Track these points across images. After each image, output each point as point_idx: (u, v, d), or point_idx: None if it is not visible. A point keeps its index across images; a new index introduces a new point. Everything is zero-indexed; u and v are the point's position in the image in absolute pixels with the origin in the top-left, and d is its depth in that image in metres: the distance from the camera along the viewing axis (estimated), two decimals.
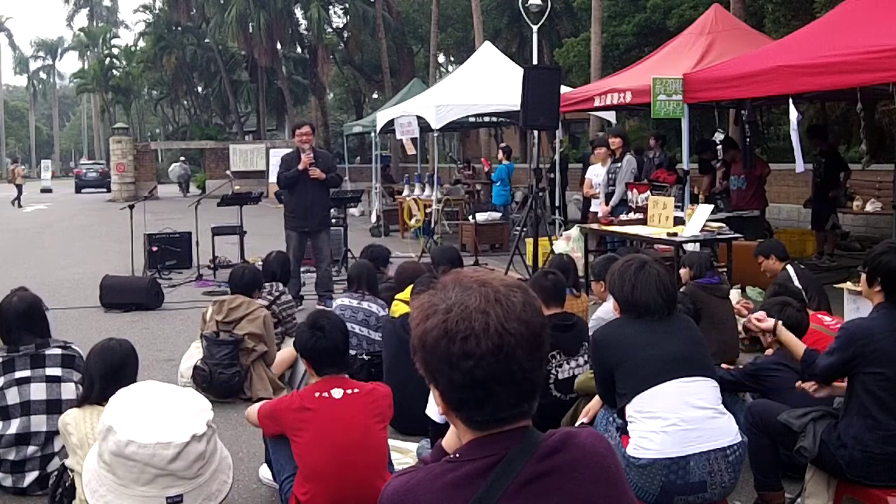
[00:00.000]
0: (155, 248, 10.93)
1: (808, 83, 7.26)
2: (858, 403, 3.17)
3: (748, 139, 9.40)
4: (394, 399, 3.54)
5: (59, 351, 4.11)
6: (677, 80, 8.42)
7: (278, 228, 9.27)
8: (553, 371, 4.23)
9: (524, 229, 9.89)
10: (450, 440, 1.58)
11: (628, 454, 3.17)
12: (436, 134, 16.72)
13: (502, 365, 1.38)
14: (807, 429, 3.31)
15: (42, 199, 32.87)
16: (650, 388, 3.21)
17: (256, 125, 43.72)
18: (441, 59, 37.28)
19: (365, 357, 5.40)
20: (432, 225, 13.58)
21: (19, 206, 28.10)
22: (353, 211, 17.97)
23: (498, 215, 13.71)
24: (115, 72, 49.54)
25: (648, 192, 8.58)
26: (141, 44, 47.59)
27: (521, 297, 1.44)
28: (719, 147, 9.63)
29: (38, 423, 3.97)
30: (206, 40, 41.18)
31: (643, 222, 8.29)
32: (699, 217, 7.48)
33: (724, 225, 7.88)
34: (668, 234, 7.48)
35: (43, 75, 76.33)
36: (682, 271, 5.96)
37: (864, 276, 3.35)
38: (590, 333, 4.13)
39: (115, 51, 51.59)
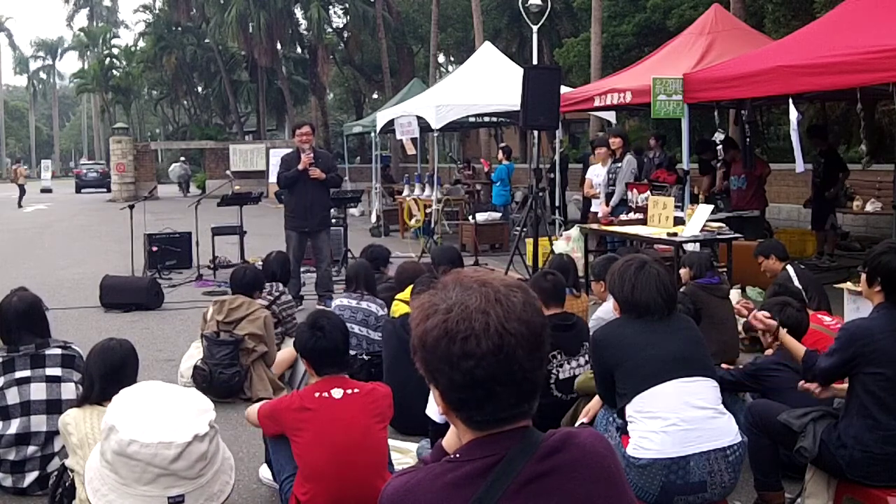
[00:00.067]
0: (155, 248, 10.93)
1: (808, 83, 7.26)
2: (858, 403, 3.17)
3: (748, 139, 9.41)
4: (394, 399, 3.54)
5: (59, 351, 4.11)
6: (677, 80, 8.42)
7: (278, 228, 9.27)
8: (554, 371, 4.23)
9: (524, 229, 9.89)
10: (450, 440, 1.58)
11: (628, 454, 3.17)
12: (436, 134, 16.72)
13: (502, 365, 1.38)
14: (807, 429, 3.31)
15: (42, 199, 32.85)
16: (650, 388, 3.21)
17: (256, 125, 43.71)
18: (441, 59, 37.30)
19: (365, 357, 5.41)
20: (432, 225, 13.58)
21: (19, 205, 28.10)
22: (353, 211, 17.97)
23: (498, 215, 13.71)
24: (115, 72, 49.53)
25: (648, 192, 8.58)
26: (141, 44, 47.60)
27: (521, 297, 1.44)
28: (719, 147, 9.63)
29: (38, 423, 3.97)
30: (206, 40, 41.17)
31: (643, 222, 8.29)
32: (699, 217, 7.48)
33: (724, 225, 7.88)
34: (668, 234, 7.48)
35: (43, 75, 76.35)
36: (682, 271, 5.96)
37: (864, 276, 3.35)
38: (590, 333, 4.13)
39: (115, 51, 51.59)
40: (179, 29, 42.49)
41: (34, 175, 53.77)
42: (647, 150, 12.05)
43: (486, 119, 17.05)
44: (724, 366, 4.54)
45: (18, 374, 4.00)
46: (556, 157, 14.35)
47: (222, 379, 5.39)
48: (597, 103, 10.05)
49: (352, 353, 4.86)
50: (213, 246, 10.93)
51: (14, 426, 3.95)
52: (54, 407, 3.94)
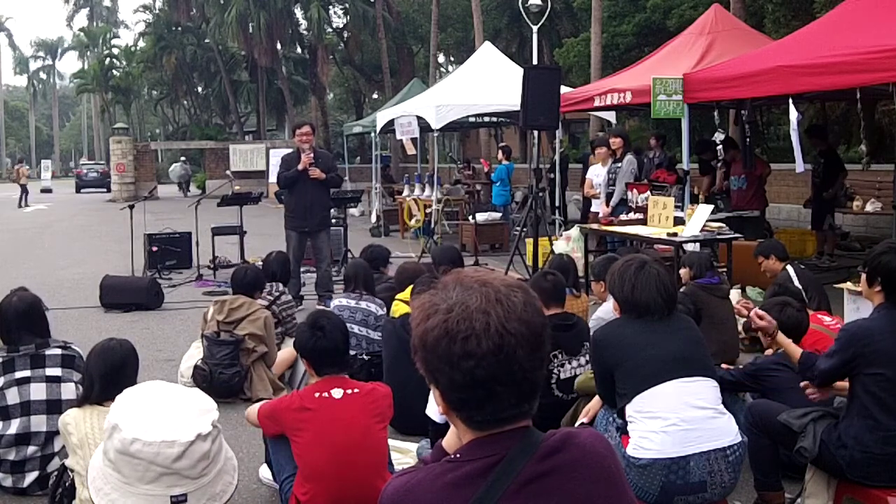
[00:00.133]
0: (155, 248, 10.93)
1: (808, 83, 7.26)
2: (859, 404, 3.17)
3: (748, 139, 9.40)
4: (394, 399, 3.54)
5: (59, 351, 4.12)
6: (677, 80, 8.42)
7: (278, 228, 9.27)
8: (555, 371, 4.23)
9: (524, 229, 9.89)
10: (450, 440, 1.58)
11: (628, 454, 3.17)
12: (436, 134, 16.71)
13: (503, 365, 1.38)
14: (807, 429, 3.31)
15: (42, 199, 32.83)
16: (650, 388, 3.21)
17: (256, 125, 43.71)
18: (441, 59, 37.30)
19: (365, 357, 5.41)
20: (432, 225, 13.58)
21: (19, 206, 28.08)
22: (353, 211, 17.97)
23: (498, 215, 13.71)
24: (115, 72, 49.49)
25: (648, 192, 8.58)
26: (141, 44, 47.58)
27: (521, 297, 1.44)
28: (719, 147, 9.63)
29: (38, 423, 3.97)
30: (206, 40, 41.17)
31: (643, 222, 8.29)
32: (699, 217, 7.48)
33: (724, 225, 7.88)
34: (668, 234, 7.48)
35: (43, 75, 76.35)
36: (682, 271, 5.97)
37: (864, 276, 3.35)
38: (590, 333, 4.13)
39: (115, 51, 51.55)
40: (179, 29, 42.48)
41: (34, 175, 53.71)
42: (647, 150, 12.04)
43: (486, 119, 17.06)
44: (724, 366, 4.55)
45: (18, 375, 4.00)
46: (556, 157, 14.34)
47: (222, 379, 5.39)
48: (597, 103, 10.05)
49: (352, 353, 4.86)
50: (213, 246, 10.93)
51: (14, 426, 3.95)
52: (54, 407, 3.94)
